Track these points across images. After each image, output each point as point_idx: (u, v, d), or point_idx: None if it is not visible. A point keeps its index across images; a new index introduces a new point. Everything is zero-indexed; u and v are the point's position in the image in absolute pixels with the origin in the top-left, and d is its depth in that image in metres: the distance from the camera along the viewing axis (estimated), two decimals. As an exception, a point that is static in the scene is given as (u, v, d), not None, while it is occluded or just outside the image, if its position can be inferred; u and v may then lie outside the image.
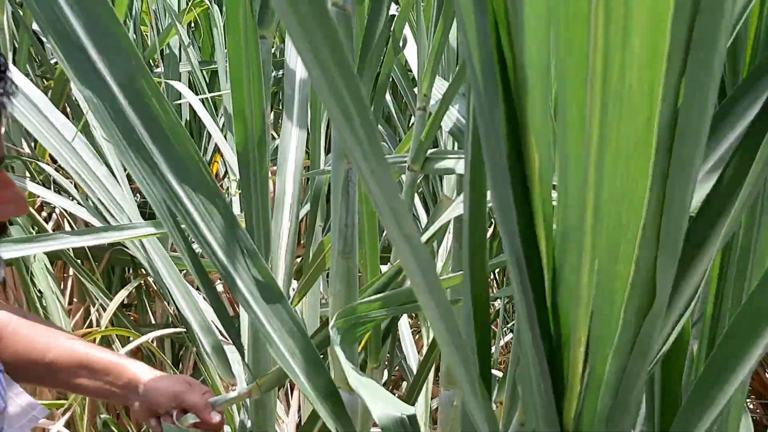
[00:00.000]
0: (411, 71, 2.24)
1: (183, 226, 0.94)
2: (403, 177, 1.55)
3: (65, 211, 2.16)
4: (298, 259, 1.93)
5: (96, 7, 0.89)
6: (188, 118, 2.46)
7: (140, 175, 0.89)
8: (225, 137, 2.16)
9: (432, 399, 1.88)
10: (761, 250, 0.81)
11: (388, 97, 2.35)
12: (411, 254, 0.58)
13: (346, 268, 1.18)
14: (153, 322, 2.28)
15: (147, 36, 2.67)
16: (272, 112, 2.65)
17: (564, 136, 0.54)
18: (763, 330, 0.64)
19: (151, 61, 2.44)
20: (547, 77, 0.52)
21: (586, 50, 0.49)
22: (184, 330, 1.93)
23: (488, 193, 0.64)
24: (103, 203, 1.62)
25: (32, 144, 2.28)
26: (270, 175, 1.31)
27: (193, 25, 2.74)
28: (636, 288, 0.57)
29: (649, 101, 0.49)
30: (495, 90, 0.56)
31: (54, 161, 2.38)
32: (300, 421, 1.82)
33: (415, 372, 1.74)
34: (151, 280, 2.17)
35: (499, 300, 2.21)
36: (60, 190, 2.22)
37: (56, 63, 2.37)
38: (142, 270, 2.17)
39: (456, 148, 1.70)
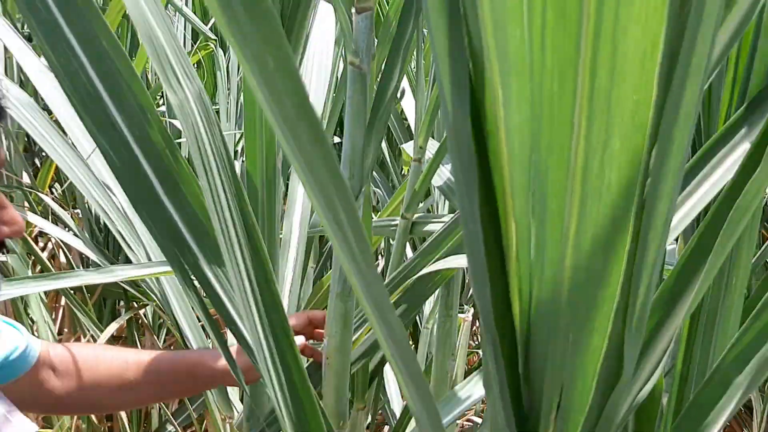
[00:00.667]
0: (406, 119, 2.31)
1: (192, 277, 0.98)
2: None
3: (61, 241, 2.21)
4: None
5: (117, 61, 0.94)
6: (187, 156, 2.51)
7: (153, 229, 0.94)
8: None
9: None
10: (727, 313, 0.87)
11: (383, 144, 2.42)
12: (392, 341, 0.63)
13: (344, 310, 1.22)
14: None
15: (148, 72, 2.74)
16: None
17: (543, 221, 0.59)
18: (726, 403, 0.70)
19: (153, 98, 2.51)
20: (528, 171, 0.57)
21: (568, 151, 0.54)
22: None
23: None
24: (121, 233, 1.67)
25: (32, 174, 2.33)
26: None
27: (196, 65, 2.81)
28: (607, 360, 0.63)
29: (626, 198, 0.55)
30: (473, 175, 0.61)
31: (53, 192, 2.44)
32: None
33: (398, 416, 1.78)
34: (142, 313, 2.21)
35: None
36: (57, 221, 2.27)
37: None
38: (134, 303, 2.21)
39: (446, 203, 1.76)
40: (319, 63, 1.67)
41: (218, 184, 0.86)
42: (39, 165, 2.57)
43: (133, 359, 1.31)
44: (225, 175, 0.88)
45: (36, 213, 2.20)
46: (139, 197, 0.94)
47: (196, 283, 0.98)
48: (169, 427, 2.14)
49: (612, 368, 0.64)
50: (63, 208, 2.24)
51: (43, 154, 2.53)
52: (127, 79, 0.92)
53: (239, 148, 2.34)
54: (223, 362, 1.28)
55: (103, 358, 1.31)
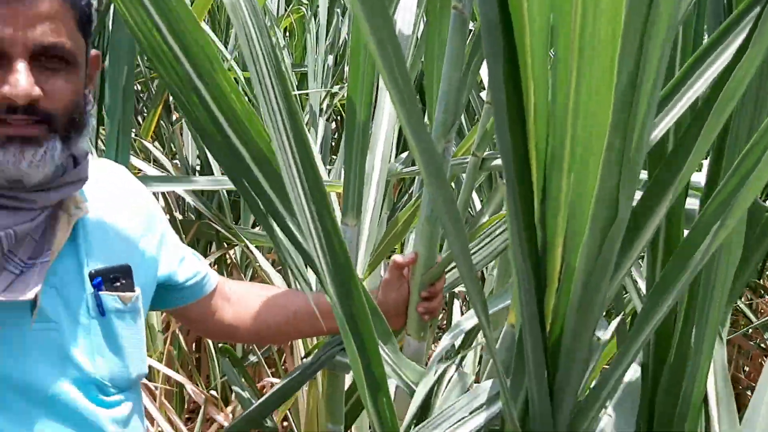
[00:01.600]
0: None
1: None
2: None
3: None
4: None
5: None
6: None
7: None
8: (308, 132, 2.38)
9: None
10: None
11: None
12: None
13: (430, 233, 1.35)
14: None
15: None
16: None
17: (554, 77, 0.72)
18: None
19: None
20: (546, 37, 0.70)
21: (570, 12, 0.67)
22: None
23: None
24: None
25: (137, 123, 2.55)
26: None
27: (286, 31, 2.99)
28: (601, 202, 0.74)
29: (612, 44, 0.67)
30: (499, 48, 0.74)
31: (154, 139, 2.65)
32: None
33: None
34: (231, 253, 2.40)
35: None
36: (159, 167, 2.47)
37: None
38: (225, 244, 2.40)
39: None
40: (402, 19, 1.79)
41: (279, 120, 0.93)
42: (143, 117, 2.79)
43: (296, 298, 1.47)
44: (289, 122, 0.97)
45: (138, 158, 2.41)
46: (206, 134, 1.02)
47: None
48: (252, 357, 2.32)
49: (609, 212, 0.76)
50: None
51: (147, 105, 2.76)
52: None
53: (324, 106, 2.50)
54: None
55: (271, 295, 1.47)
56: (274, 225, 1.13)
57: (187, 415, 2.47)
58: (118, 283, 1.17)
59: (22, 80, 1.01)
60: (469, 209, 2.21)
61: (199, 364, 2.51)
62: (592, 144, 0.72)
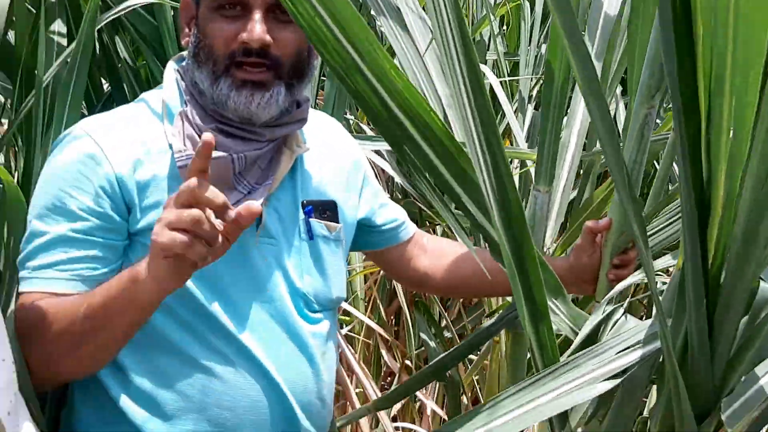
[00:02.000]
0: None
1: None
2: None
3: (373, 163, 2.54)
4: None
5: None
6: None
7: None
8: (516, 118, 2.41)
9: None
10: None
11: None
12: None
13: (620, 208, 1.34)
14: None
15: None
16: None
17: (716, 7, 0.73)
18: None
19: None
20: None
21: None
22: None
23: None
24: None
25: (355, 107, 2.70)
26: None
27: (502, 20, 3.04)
28: (764, 133, 0.74)
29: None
30: None
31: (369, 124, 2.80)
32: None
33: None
34: (432, 231, 2.47)
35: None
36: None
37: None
38: (427, 222, 2.49)
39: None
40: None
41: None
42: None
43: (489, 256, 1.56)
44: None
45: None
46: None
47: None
48: (447, 334, 2.39)
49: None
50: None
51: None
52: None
53: (533, 93, 2.52)
54: (564, 266, 1.42)
55: (465, 251, 1.56)
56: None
57: (382, 383, 2.58)
58: (326, 214, 1.34)
59: (257, 28, 1.19)
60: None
61: (398, 336, 2.62)
62: (750, 66, 0.71)
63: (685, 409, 0.84)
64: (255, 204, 1.01)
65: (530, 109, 2.45)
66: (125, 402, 1.22)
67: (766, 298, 0.90)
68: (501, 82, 2.42)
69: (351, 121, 2.61)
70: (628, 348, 0.92)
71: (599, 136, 0.92)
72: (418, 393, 2.27)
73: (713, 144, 0.78)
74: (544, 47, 2.66)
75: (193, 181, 0.99)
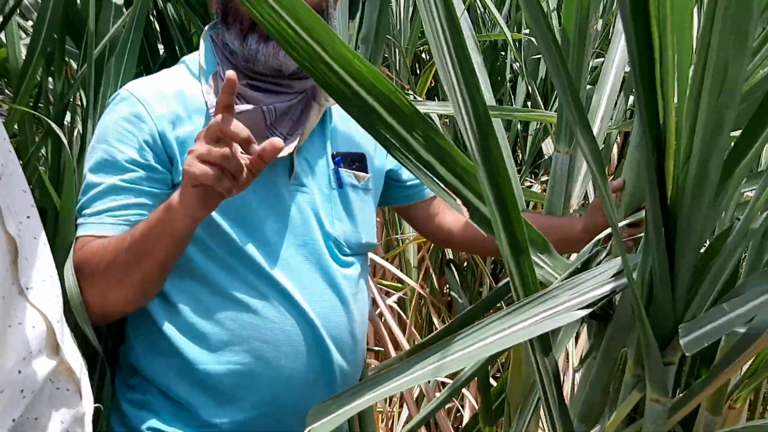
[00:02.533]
0: None
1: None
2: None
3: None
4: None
5: None
6: (545, 75, 2.79)
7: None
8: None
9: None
10: None
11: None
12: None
13: (638, 161, 1.35)
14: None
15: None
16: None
17: None
18: None
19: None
20: None
21: None
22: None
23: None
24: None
25: (413, 82, 2.78)
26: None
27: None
28: (713, 67, 0.78)
29: None
30: None
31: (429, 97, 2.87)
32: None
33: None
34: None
35: None
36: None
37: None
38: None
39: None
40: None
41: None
42: (420, 71, 3.03)
43: None
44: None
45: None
46: None
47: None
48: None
49: (718, 73, 0.79)
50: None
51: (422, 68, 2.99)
52: None
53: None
54: (580, 226, 1.50)
55: None
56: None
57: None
58: (355, 165, 1.44)
59: None
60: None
61: (450, 307, 2.69)
62: (684, 8, 0.76)
63: (648, 334, 0.89)
64: (278, 140, 1.12)
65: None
66: (173, 334, 1.36)
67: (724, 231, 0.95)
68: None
69: (409, 94, 2.69)
70: (606, 279, 0.98)
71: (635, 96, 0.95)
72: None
73: (664, 82, 0.83)
74: (600, 22, 2.69)
75: (218, 117, 1.10)
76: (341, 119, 1.48)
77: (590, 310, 0.96)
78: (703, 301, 0.90)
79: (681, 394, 0.96)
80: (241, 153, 1.13)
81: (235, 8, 1.35)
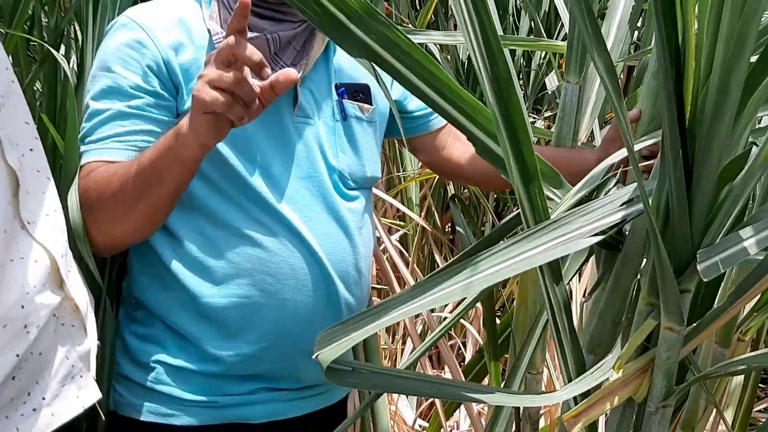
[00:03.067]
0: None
1: None
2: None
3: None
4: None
5: None
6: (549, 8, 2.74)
7: None
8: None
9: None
10: None
11: None
12: None
13: (656, 89, 1.33)
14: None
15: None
16: None
17: None
18: None
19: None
20: None
21: None
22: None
23: None
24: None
25: (413, 16, 2.72)
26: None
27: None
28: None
29: None
30: None
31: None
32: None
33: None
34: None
35: None
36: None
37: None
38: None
39: None
40: None
41: None
42: (419, 6, 2.97)
43: None
44: None
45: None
46: None
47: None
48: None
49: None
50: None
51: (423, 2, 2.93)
52: None
53: None
54: (593, 158, 1.48)
55: None
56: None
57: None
58: (359, 96, 1.41)
59: None
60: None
61: (453, 244, 2.68)
62: None
63: (664, 261, 0.87)
64: (292, 71, 1.08)
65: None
66: (178, 268, 1.34)
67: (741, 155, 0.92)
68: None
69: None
70: (619, 207, 0.96)
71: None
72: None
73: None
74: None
75: (231, 39, 1.07)
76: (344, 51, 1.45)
77: (602, 237, 0.94)
78: (720, 227, 0.88)
79: (695, 323, 0.95)
80: (253, 79, 1.10)
81: None
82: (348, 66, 1.44)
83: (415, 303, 0.93)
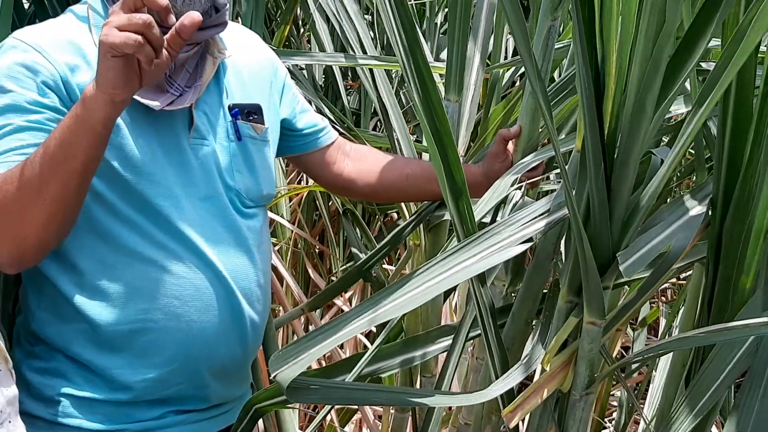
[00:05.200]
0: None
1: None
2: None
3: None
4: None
5: None
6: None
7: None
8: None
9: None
10: None
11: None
12: None
13: (534, 105, 1.45)
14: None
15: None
16: None
17: None
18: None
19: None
20: None
21: None
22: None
23: None
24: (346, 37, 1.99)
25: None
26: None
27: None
28: (651, 10, 0.85)
29: None
30: None
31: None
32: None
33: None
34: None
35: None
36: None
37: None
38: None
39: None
40: None
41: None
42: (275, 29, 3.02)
43: (410, 162, 1.67)
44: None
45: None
46: None
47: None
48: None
49: (657, 22, 0.87)
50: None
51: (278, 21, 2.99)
52: None
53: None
54: (479, 172, 1.55)
55: (387, 157, 1.67)
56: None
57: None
58: (252, 116, 1.43)
59: None
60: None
61: (323, 255, 2.73)
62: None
63: (589, 262, 0.97)
64: (195, 13, 1.11)
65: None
66: (78, 298, 1.31)
67: (656, 167, 1.04)
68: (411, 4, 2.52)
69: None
70: (539, 216, 1.05)
71: (515, 37, 1.02)
72: (337, 301, 2.39)
73: (605, 26, 0.90)
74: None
75: None
76: (235, 71, 1.46)
77: (531, 244, 1.03)
78: (636, 229, 0.99)
79: (612, 314, 1.06)
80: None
81: None
82: (239, 87, 1.46)
83: (364, 317, 0.98)
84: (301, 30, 2.97)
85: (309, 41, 2.97)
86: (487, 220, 1.25)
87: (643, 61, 0.89)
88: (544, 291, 1.22)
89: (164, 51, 1.12)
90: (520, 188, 1.19)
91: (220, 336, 1.39)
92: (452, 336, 1.24)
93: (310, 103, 2.80)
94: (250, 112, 1.46)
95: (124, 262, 1.32)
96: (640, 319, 2.46)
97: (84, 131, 1.17)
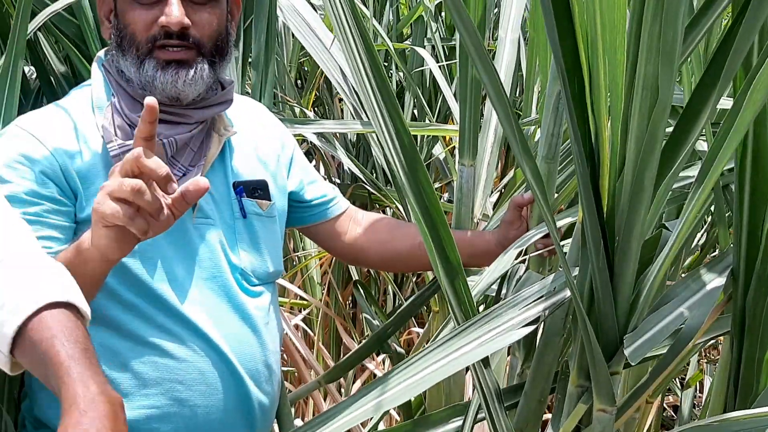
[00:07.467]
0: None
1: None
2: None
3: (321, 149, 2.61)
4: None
5: None
6: (429, 84, 2.83)
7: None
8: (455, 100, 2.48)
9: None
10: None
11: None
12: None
13: (547, 170, 1.38)
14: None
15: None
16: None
17: None
18: None
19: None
20: None
21: None
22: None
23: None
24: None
25: (299, 97, 2.76)
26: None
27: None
28: (644, 87, 0.81)
29: None
30: None
31: (315, 111, 2.87)
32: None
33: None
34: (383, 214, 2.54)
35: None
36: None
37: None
38: (377, 205, 2.56)
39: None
40: None
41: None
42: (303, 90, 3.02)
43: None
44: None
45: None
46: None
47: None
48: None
49: (650, 98, 0.82)
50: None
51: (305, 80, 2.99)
52: None
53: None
54: (493, 239, 1.50)
55: (399, 225, 1.62)
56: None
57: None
58: (257, 193, 1.40)
59: (175, 11, 1.25)
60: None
61: (355, 318, 2.69)
62: (616, 27, 0.79)
63: (594, 348, 0.91)
64: (202, 179, 1.05)
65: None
66: None
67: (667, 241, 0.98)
68: (440, 66, 2.50)
69: (296, 109, 2.67)
70: (542, 297, 0.99)
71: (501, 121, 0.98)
72: (369, 365, 2.34)
73: (595, 102, 0.85)
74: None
75: (137, 150, 1.01)
76: (240, 147, 1.44)
77: (534, 326, 0.98)
78: (642, 310, 0.93)
79: (624, 398, 0.99)
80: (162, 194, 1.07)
81: (132, 34, 1.28)
82: (244, 163, 1.43)
83: (356, 410, 0.94)
84: (334, 91, 2.97)
85: (341, 99, 2.95)
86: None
87: (639, 138, 0.84)
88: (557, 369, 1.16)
89: (165, 211, 1.06)
90: (523, 262, 1.14)
91: (226, 419, 1.35)
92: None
93: (340, 165, 2.80)
94: (255, 188, 1.43)
95: (128, 347, 1.29)
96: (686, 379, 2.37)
97: (78, 278, 1.14)
